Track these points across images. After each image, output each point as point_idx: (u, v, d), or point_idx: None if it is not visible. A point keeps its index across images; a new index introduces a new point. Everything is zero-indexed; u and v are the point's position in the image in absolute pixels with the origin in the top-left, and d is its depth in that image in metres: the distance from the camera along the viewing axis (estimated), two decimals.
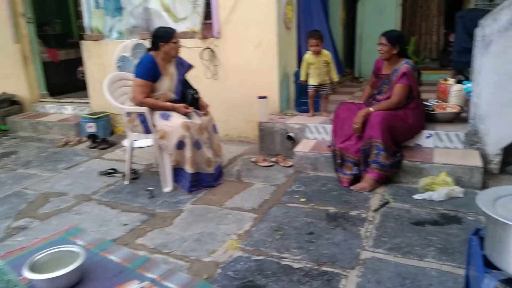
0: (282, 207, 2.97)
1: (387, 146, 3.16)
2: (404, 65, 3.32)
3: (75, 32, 7.94)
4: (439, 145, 3.47)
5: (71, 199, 3.28)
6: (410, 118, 3.33)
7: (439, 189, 2.96)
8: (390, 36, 3.34)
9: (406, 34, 7.52)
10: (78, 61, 6.12)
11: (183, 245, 2.51)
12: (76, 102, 5.75)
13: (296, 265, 2.25)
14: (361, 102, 3.70)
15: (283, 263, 2.28)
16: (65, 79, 6.44)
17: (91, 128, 4.92)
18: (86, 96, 5.51)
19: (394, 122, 3.22)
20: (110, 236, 2.67)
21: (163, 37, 3.26)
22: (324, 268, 2.21)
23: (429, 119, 3.65)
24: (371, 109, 3.31)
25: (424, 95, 3.88)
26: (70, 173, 3.89)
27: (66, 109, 5.69)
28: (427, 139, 3.49)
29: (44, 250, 2.26)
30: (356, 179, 3.27)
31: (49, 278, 2.04)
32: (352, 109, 3.49)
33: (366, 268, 2.19)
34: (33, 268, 2.12)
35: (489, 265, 1.50)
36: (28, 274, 2.05)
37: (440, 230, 2.53)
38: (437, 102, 3.95)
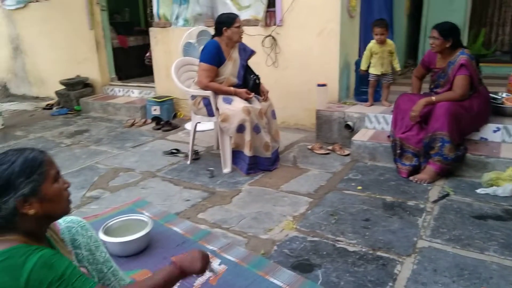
0: (338, 193, 3.00)
1: (453, 137, 3.07)
2: (460, 57, 3.18)
3: (142, 20, 8.34)
4: (507, 139, 3.31)
5: (138, 175, 3.52)
6: (475, 106, 3.21)
7: (504, 184, 2.84)
8: (442, 29, 3.19)
9: (476, 25, 7.14)
10: (145, 48, 6.46)
11: (241, 222, 2.63)
12: (142, 86, 6.07)
13: (351, 249, 2.29)
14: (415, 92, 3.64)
15: (338, 245, 2.33)
16: (132, 64, 6.81)
17: (156, 111, 5.19)
18: (151, 81, 5.81)
19: (459, 111, 3.12)
20: (174, 210, 2.85)
21: (225, 22, 3.37)
22: (379, 253, 2.23)
23: (498, 112, 3.50)
24: (433, 98, 3.23)
25: (494, 88, 3.73)
26: (136, 151, 4.16)
27: (133, 93, 6.03)
28: (495, 133, 3.35)
29: (116, 217, 2.48)
30: (415, 170, 3.22)
31: (122, 242, 2.24)
32: (413, 100, 3.41)
33: (422, 257, 2.18)
34: (106, 233, 2.33)
35: None
36: (103, 237, 2.26)
37: (504, 226, 2.45)
38: (508, 95, 3.75)
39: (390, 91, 4.13)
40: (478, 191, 2.90)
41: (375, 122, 3.84)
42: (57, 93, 6.24)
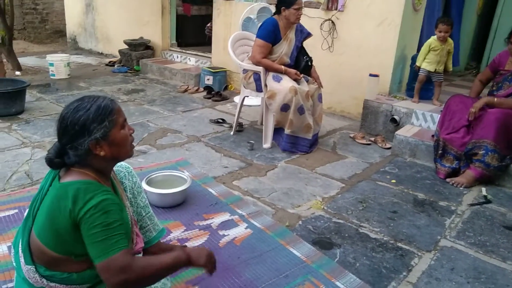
0: (371, 183, 3.05)
1: (498, 147, 3.01)
2: None
3: None
4: None
5: (184, 137, 3.73)
6: None
7: None
8: None
9: None
10: (207, 18, 6.63)
11: (272, 195, 2.77)
12: (199, 55, 6.27)
13: (373, 235, 2.37)
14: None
15: (361, 230, 2.41)
16: (193, 32, 7.02)
17: (209, 80, 5.37)
18: (209, 51, 5.99)
19: (511, 121, 3.04)
20: (212, 173, 3.03)
21: (286, 2, 3.42)
22: (399, 244, 2.29)
23: None
24: (496, 99, 3.16)
25: None
26: (185, 116, 4.38)
27: (189, 60, 6.25)
28: None
29: (159, 171, 2.69)
30: (454, 173, 3.19)
31: (161, 193, 2.45)
32: (465, 102, 3.35)
33: (442, 255, 2.22)
34: (149, 184, 2.55)
35: None
36: (145, 187, 2.48)
37: None
38: None
39: (444, 91, 4.04)
40: None
41: (421, 119, 3.80)
42: (120, 51, 6.58)
